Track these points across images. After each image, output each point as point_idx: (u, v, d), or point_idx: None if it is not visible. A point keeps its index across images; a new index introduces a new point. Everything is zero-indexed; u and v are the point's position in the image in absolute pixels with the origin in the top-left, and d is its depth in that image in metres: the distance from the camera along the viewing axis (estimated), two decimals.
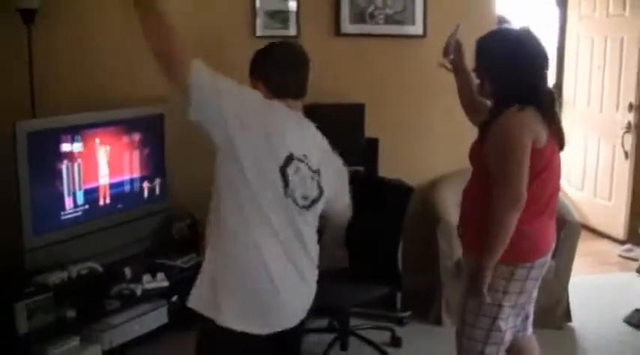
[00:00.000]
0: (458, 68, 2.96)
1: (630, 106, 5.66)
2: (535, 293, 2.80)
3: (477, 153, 2.69)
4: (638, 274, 5.08)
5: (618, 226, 5.83)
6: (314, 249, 2.37)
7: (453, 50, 2.94)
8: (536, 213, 2.59)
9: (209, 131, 2.14)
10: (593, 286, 4.92)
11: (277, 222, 2.20)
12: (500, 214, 2.48)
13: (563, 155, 6.46)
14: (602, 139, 6.04)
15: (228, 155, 2.15)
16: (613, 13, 5.84)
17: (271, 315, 2.25)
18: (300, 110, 2.36)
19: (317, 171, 2.31)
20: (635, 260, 5.27)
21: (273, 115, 2.23)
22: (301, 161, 2.25)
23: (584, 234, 5.96)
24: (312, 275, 2.38)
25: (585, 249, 5.70)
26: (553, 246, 2.73)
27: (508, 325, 2.69)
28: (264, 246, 2.18)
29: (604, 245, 5.87)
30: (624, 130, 5.70)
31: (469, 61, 2.86)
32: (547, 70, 2.63)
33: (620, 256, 5.55)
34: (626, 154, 5.72)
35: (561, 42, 6.58)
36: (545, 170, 2.56)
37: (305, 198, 2.27)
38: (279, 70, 2.32)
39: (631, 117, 5.67)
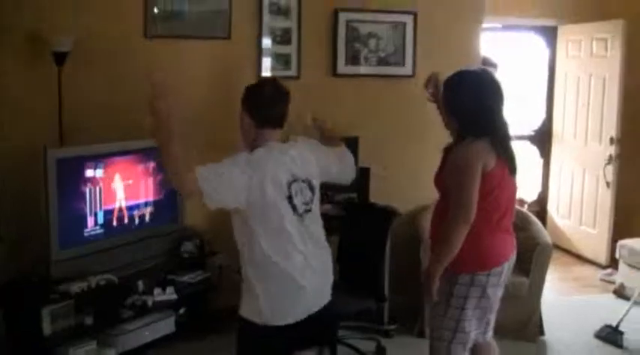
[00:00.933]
0: (437, 100, 3.31)
1: (611, 140, 6.02)
2: (496, 304, 3.11)
3: (439, 178, 3.08)
4: (615, 295, 5.40)
5: (601, 252, 6.14)
6: (324, 239, 2.92)
7: (431, 85, 3.32)
8: (491, 228, 2.94)
9: (231, 208, 2.69)
10: (571, 306, 5.27)
11: (295, 237, 2.75)
12: (450, 228, 2.85)
13: (552, 187, 6.94)
14: (587, 171, 6.37)
15: (250, 212, 2.68)
16: (596, 53, 6.22)
17: (300, 307, 2.77)
18: (278, 139, 2.84)
19: (305, 179, 2.82)
20: (613, 283, 5.59)
21: (261, 166, 2.70)
22: (295, 180, 2.77)
23: (570, 259, 6.38)
24: (328, 261, 2.93)
25: (570, 273, 6.09)
26: (511, 256, 3.06)
27: (472, 327, 3.02)
28: (290, 259, 2.73)
29: (588, 270, 6.17)
30: (606, 162, 6.06)
31: None
32: (503, 105, 2.99)
33: (602, 280, 5.85)
34: (608, 184, 6.07)
35: (550, 80, 6.92)
36: (495, 190, 2.90)
37: (305, 203, 2.80)
38: (261, 105, 2.81)
39: (612, 150, 6.02)
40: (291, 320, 2.76)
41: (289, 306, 2.76)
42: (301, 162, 2.85)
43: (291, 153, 2.83)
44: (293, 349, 2.91)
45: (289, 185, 2.76)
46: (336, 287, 2.92)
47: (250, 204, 2.66)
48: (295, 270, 2.74)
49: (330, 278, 2.96)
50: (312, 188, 2.86)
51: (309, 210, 2.83)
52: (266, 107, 2.81)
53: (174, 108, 2.52)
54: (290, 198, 2.74)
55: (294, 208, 2.75)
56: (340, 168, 3.12)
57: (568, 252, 6.59)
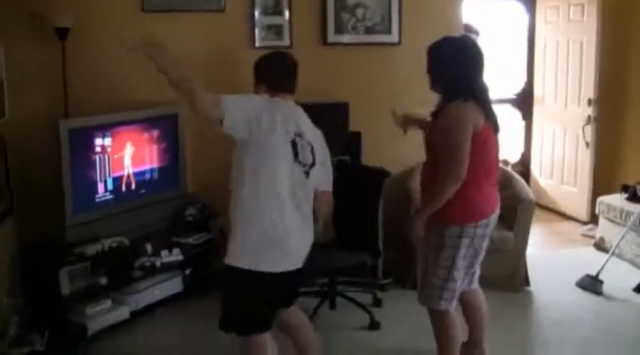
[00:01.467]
0: (419, 126, 3.53)
1: (589, 101, 6.27)
2: (482, 255, 3.33)
3: (429, 140, 3.29)
4: (595, 249, 5.69)
5: (582, 209, 6.43)
6: (311, 205, 3.08)
7: (405, 126, 3.55)
8: (478, 182, 3.13)
9: (239, 136, 2.86)
10: (555, 259, 5.56)
11: (291, 183, 2.92)
12: (442, 183, 3.05)
13: (534, 148, 7.18)
14: (567, 132, 6.63)
15: (253, 144, 2.86)
16: (573, 19, 6.45)
17: (281, 257, 2.93)
18: (293, 101, 3.07)
19: (310, 144, 3.02)
20: (593, 237, 5.88)
21: (276, 108, 2.93)
22: (301, 136, 2.98)
23: (552, 216, 6.66)
24: (311, 225, 3.06)
25: (553, 229, 6.37)
26: (496, 209, 3.27)
27: (461, 276, 3.24)
28: (282, 201, 2.89)
29: (570, 226, 6.46)
30: (585, 123, 6.31)
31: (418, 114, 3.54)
32: (483, 70, 3.18)
33: (583, 235, 6.14)
34: (587, 144, 6.33)
35: (531, 45, 7.16)
36: (484, 147, 3.10)
37: (304, 164, 2.99)
38: (276, 73, 3.07)
39: (590, 111, 6.28)
40: (269, 269, 2.90)
41: (268, 254, 2.90)
42: (311, 129, 3.08)
43: (303, 114, 3.09)
44: (273, 300, 3.05)
45: (296, 134, 2.96)
46: (333, 244, 3.16)
47: (256, 132, 2.84)
48: (278, 220, 2.89)
49: (311, 237, 3.10)
50: (313, 152, 3.05)
51: (306, 172, 3.01)
52: (280, 75, 3.07)
53: (164, 51, 2.76)
54: (294, 143, 2.93)
55: (296, 154, 2.93)
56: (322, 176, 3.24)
57: (551, 209, 6.88)
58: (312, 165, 3.04)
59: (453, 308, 3.29)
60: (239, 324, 3.03)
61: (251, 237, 2.90)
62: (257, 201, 2.88)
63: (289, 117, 2.96)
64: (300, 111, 3.09)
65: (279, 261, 2.93)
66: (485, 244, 3.31)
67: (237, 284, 2.99)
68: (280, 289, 3.04)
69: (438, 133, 3.17)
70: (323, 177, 3.19)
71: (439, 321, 3.33)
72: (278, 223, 2.89)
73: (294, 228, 2.95)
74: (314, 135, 3.10)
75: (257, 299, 2.98)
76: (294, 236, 2.95)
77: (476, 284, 3.50)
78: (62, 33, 4.22)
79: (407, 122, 3.58)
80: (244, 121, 2.81)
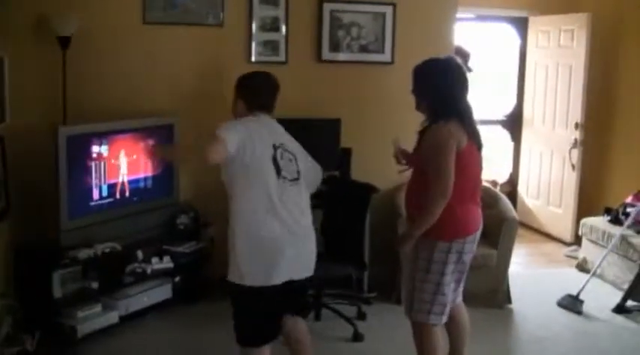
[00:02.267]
0: (407, 161, 3.58)
1: (576, 125, 6.41)
2: (466, 268, 3.41)
3: (414, 158, 3.39)
4: (577, 269, 5.79)
5: (566, 230, 6.55)
6: (309, 215, 3.18)
7: (401, 157, 3.57)
8: (464, 201, 3.23)
9: (228, 165, 3.02)
10: (537, 278, 5.67)
11: (277, 200, 3.02)
12: (432, 200, 3.13)
13: (522, 169, 7.28)
14: (554, 154, 6.76)
15: (237, 166, 2.99)
16: (563, 44, 6.60)
17: (279, 268, 3.02)
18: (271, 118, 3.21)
19: (294, 156, 3.14)
20: (577, 258, 5.98)
21: (253, 129, 3.06)
22: (281, 147, 3.10)
23: (538, 237, 6.78)
24: (310, 234, 3.17)
25: (537, 249, 6.49)
26: (480, 226, 3.37)
27: (450, 290, 3.30)
28: (269, 220, 3.00)
29: (554, 247, 6.58)
30: (571, 146, 6.46)
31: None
32: (467, 90, 3.28)
33: (566, 256, 6.25)
34: (573, 167, 6.47)
35: (521, 68, 7.31)
36: (467, 166, 3.20)
37: (291, 173, 3.10)
38: (257, 92, 3.22)
39: (577, 134, 6.42)
40: (268, 282, 3.00)
41: (266, 268, 3.00)
42: (289, 139, 3.22)
43: (278, 126, 3.22)
44: (279, 311, 3.18)
45: (276, 147, 3.09)
46: (320, 256, 3.22)
47: (242, 154, 2.97)
48: (273, 233, 3.00)
49: (313, 247, 3.22)
50: (296, 162, 3.16)
51: (296, 180, 3.12)
52: (259, 95, 3.22)
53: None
54: (275, 159, 3.05)
55: (277, 169, 3.05)
56: (311, 177, 3.35)
57: (536, 230, 7.01)
58: (298, 176, 3.15)
59: (442, 323, 3.36)
60: (238, 334, 3.14)
61: (244, 253, 3.01)
62: (248, 217, 3.00)
63: (264, 132, 3.09)
64: (275, 123, 3.23)
65: (273, 274, 3.02)
66: (470, 259, 3.40)
67: (236, 299, 3.12)
68: (280, 300, 3.12)
69: (423, 152, 3.27)
70: (313, 178, 3.33)
71: (422, 335, 3.37)
72: (272, 238, 3.00)
73: (290, 241, 3.04)
74: (293, 145, 3.24)
75: (255, 313, 3.08)
76: (291, 248, 3.04)
77: (459, 299, 3.58)
78: (64, 42, 4.32)
79: (402, 155, 3.62)
80: (238, 143, 2.97)
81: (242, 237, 3.03)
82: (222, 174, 3.09)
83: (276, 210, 3.02)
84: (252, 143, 2.99)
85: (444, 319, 3.33)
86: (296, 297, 3.29)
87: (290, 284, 3.09)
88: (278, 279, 3.04)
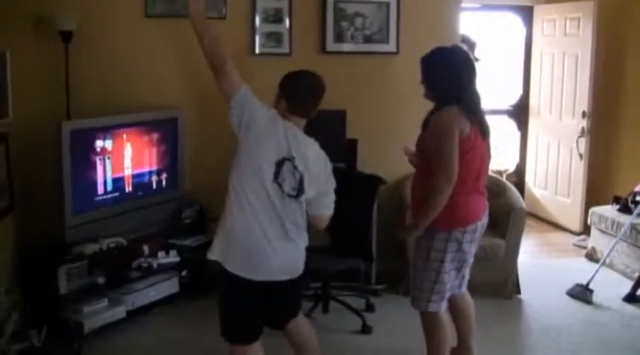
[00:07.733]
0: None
1: (583, 114, 6.37)
2: (471, 259, 3.41)
3: (421, 141, 3.38)
4: (586, 259, 5.77)
5: (575, 220, 6.51)
6: (302, 222, 3.04)
7: (414, 160, 3.55)
8: (465, 189, 3.22)
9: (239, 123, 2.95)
10: (546, 268, 5.63)
11: (271, 198, 2.92)
12: (436, 187, 3.13)
13: (529, 159, 7.21)
14: (562, 143, 6.72)
15: (241, 149, 2.94)
16: (569, 32, 6.55)
17: (262, 266, 2.96)
18: (301, 127, 3.07)
19: (302, 173, 2.96)
20: (585, 248, 5.95)
21: (273, 127, 2.94)
22: (290, 160, 2.95)
23: (546, 227, 6.74)
24: (300, 239, 3.05)
25: (546, 240, 6.45)
26: (483, 216, 3.36)
27: (449, 279, 3.32)
28: (260, 214, 2.92)
29: (562, 236, 6.54)
30: (579, 135, 6.42)
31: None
32: (475, 78, 3.28)
33: (575, 245, 6.22)
34: (581, 156, 6.42)
35: (527, 57, 7.25)
36: (469, 153, 3.18)
37: (293, 188, 2.96)
38: (301, 95, 3.06)
39: (584, 123, 6.37)
40: (238, 272, 2.94)
41: (239, 257, 2.95)
42: (309, 159, 3.00)
43: (304, 142, 3.02)
44: (258, 311, 3.08)
45: (285, 158, 2.93)
46: (327, 249, 3.19)
47: (247, 135, 2.92)
48: (253, 230, 2.91)
49: (301, 252, 3.09)
50: (301, 182, 2.96)
51: (293, 197, 2.96)
52: (303, 96, 3.07)
53: None
54: (279, 164, 2.92)
55: (277, 173, 2.92)
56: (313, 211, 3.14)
57: (544, 220, 6.97)
58: (298, 193, 2.97)
59: (442, 310, 3.38)
60: (222, 329, 3.11)
61: (227, 237, 2.98)
62: (239, 206, 2.94)
63: (283, 140, 2.94)
64: (301, 138, 3.02)
65: (250, 268, 2.95)
66: (473, 249, 3.40)
67: (219, 286, 3.11)
68: (263, 302, 3.06)
69: (428, 138, 3.28)
70: (319, 206, 3.13)
71: (430, 324, 3.41)
72: (252, 232, 2.93)
73: (272, 241, 2.94)
74: (313, 166, 3.02)
75: (235, 305, 3.04)
76: (273, 248, 2.94)
77: (464, 288, 3.58)
78: (66, 36, 4.31)
79: (414, 158, 3.58)
80: (241, 120, 2.93)
81: (230, 223, 2.97)
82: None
83: (265, 208, 2.93)
84: (262, 134, 2.92)
85: (443, 306, 3.37)
86: (280, 300, 3.16)
87: (271, 286, 3.01)
88: (258, 276, 2.95)
